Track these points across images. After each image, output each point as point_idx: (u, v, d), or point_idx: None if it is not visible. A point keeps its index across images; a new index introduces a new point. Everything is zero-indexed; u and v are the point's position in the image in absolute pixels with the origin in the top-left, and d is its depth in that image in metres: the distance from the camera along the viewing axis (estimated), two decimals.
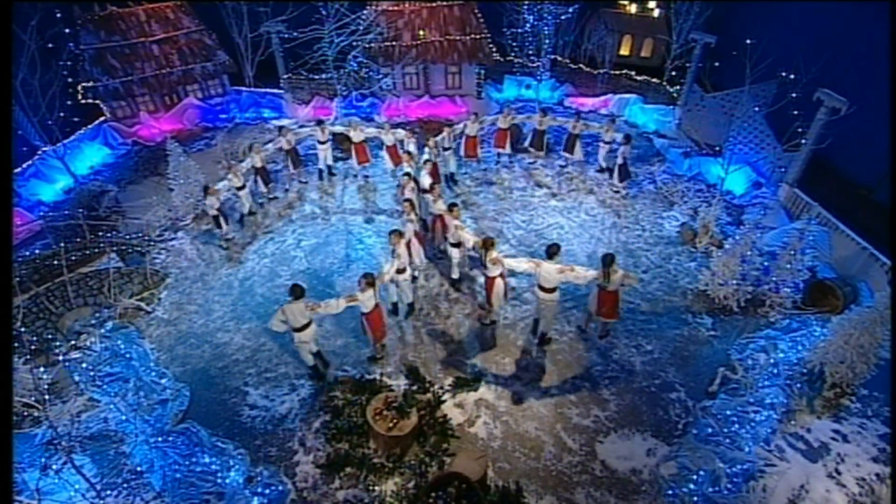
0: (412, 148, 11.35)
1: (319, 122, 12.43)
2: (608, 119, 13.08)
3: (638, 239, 10.89)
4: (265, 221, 11.68)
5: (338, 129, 12.60)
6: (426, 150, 11.19)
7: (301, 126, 13.34)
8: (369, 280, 7.47)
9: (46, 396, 5.52)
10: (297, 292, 7.29)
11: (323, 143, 12.33)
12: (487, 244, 7.98)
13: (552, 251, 7.84)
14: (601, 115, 15.80)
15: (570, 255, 10.40)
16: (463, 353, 8.65)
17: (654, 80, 15.59)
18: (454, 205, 9.11)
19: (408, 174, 10.35)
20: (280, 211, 12.03)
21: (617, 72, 15.96)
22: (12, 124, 10.07)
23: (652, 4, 18.28)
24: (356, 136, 12.07)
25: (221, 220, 10.61)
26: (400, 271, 8.40)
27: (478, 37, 14.92)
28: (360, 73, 15.14)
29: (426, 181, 10.14)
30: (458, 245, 9.20)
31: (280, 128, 12.32)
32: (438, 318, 9.30)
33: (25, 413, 6.83)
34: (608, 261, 7.68)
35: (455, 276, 9.81)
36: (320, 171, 12.89)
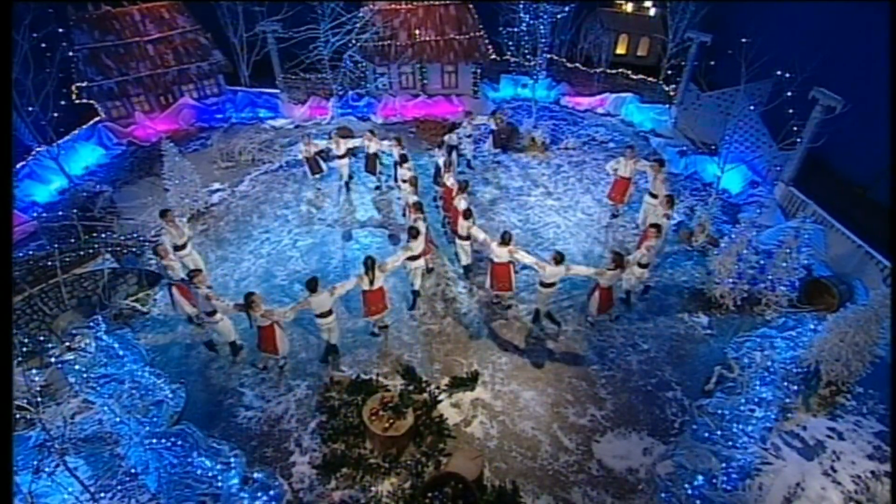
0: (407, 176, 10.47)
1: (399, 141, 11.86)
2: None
3: (634, 238, 10.88)
4: (262, 222, 11.65)
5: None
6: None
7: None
8: (312, 286, 7.64)
9: (39, 399, 5.48)
10: (249, 302, 7.44)
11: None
12: (462, 188, 9.61)
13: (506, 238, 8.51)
14: (597, 113, 15.80)
15: (567, 254, 10.34)
16: (459, 352, 8.64)
17: (651, 78, 15.59)
18: (466, 182, 9.82)
19: (413, 177, 10.23)
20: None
21: (613, 71, 15.95)
22: (12, 125, 9.99)
23: (648, 3, 18.30)
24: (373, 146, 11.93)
25: (307, 167, 12.00)
26: (414, 258, 8.72)
27: (474, 36, 14.91)
28: (356, 72, 15.10)
29: (440, 161, 10.79)
30: (466, 238, 9.40)
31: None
32: (434, 317, 9.29)
33: (18, 415, 6.78)
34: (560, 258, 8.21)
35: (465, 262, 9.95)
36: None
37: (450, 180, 10.44)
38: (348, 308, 9.13)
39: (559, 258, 8.18)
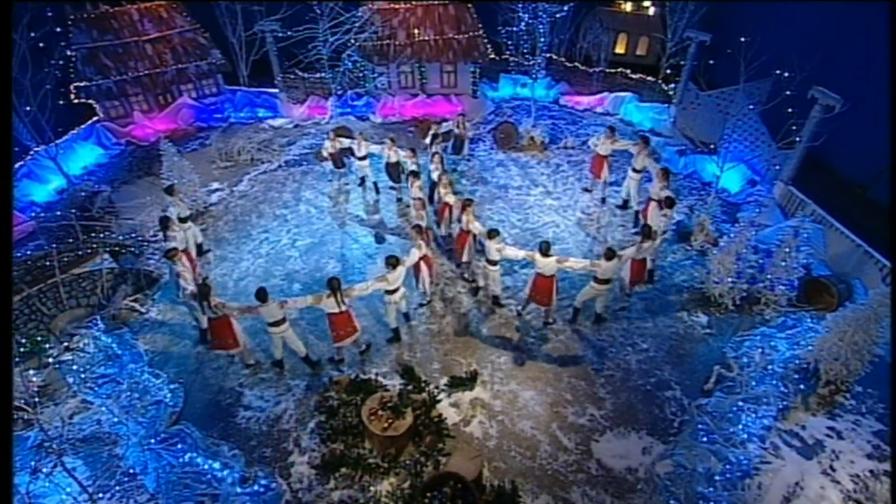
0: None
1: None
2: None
3: (633, 237, 10.88)
4: (260, 221, 11.63)
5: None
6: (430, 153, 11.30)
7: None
8: (260, 295, 7.41)
9: (37, 399, 5.46)
10: (203, 291, 7.45)
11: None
12: (465, 204, 8.98)
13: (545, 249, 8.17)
14: (596, 113, 15.79)
15: (565, 253, 10.36)
16: (458, 352, 8.63)
17: (650, 78, 15.57)
18: (469, 200, 9.14)
19: (420, 198, 9.60)
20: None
21: (612, 70, 15.93)
22: (11, 125, 9.97)
23: (647, 3, 18.26)
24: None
25: (331, 162, 11.99)
26: (392, 292, 8.02)
27: (473, 35, 14.89)
28: (355, 72, 15.07)
29: (434, 175, 10.30)
30: (495, 263, 8.72)
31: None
32: (434, 317, 9.28)
33: (16, 415, 6.76)
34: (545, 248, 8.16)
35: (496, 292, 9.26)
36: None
37: (450, 197, 9.76)
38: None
39: (611, 254, 8.00)
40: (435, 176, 10.48)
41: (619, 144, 11.19)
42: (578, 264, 8.23)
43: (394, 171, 11.55)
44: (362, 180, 12.40)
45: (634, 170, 10.88)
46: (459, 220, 9.36)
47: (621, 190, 11.63)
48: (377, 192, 12.22)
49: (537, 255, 8.15)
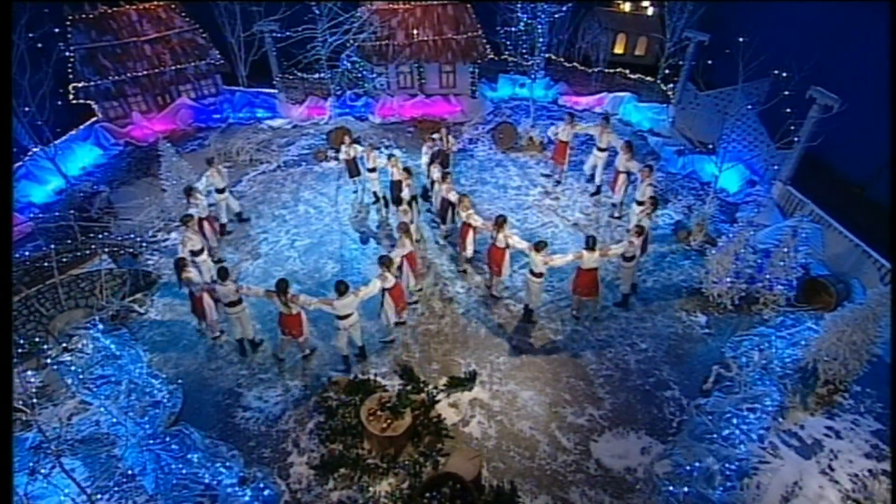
0: (407, 192, 10.19)
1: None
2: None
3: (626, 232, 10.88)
4: (259, 222, 11.63)
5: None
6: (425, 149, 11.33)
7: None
8: (222, 274, 7.91)
9: (35, 400, 5.46)
10: (181, 264, 8.12)
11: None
12: (500, 223, 8.75)
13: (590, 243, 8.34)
14: (595, 113, 15.79)
15: (564, 253, 10.38)
16: (457, 352, 8.63)
17: (649, 78, 15.56)
18: (503, 217, 8.75)
19: (404, 222, 9.03)
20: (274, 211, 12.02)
21: (611, 70, 15.92)
22: (11, 125, 9.96)
23: (646, 3, 18.28)
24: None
25: (346, 170, 11.98)
26: (342, 317, 7.76)
27: (472, 35, 14.90)
28: (354, 72, 15.07)
29: (453, 196, 9.86)
30: (539, 276, 8.51)
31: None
32: (433, 317, 9.28)
33: (14, 417, 6.75)
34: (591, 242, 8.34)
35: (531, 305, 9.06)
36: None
37: (473, 219, 9.22)
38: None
39: (641, 230, 8.61)
40: (453, 197, 9.85)
41: (579, 128, 11.83)
42: (620, 249, 8.56)
43: (398, 189, 10.91)
44: (376, 198, 11.97)
45: (599, 149, 11.59)
46: (494, 239, 8.91)
47: (584, 168, 12.30)
48: (377, 199, 12.06)
49: (584, 253, 8.28)
